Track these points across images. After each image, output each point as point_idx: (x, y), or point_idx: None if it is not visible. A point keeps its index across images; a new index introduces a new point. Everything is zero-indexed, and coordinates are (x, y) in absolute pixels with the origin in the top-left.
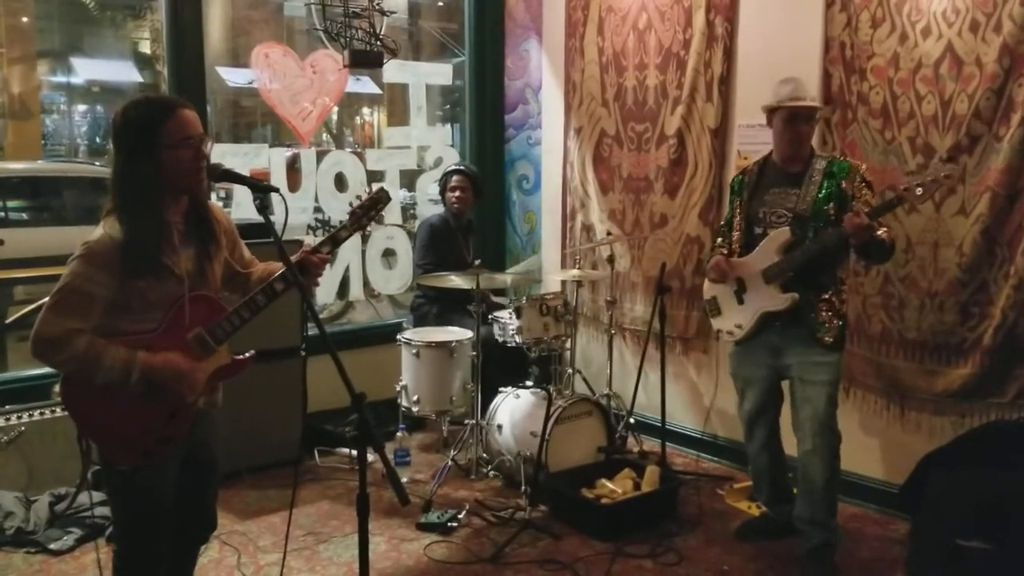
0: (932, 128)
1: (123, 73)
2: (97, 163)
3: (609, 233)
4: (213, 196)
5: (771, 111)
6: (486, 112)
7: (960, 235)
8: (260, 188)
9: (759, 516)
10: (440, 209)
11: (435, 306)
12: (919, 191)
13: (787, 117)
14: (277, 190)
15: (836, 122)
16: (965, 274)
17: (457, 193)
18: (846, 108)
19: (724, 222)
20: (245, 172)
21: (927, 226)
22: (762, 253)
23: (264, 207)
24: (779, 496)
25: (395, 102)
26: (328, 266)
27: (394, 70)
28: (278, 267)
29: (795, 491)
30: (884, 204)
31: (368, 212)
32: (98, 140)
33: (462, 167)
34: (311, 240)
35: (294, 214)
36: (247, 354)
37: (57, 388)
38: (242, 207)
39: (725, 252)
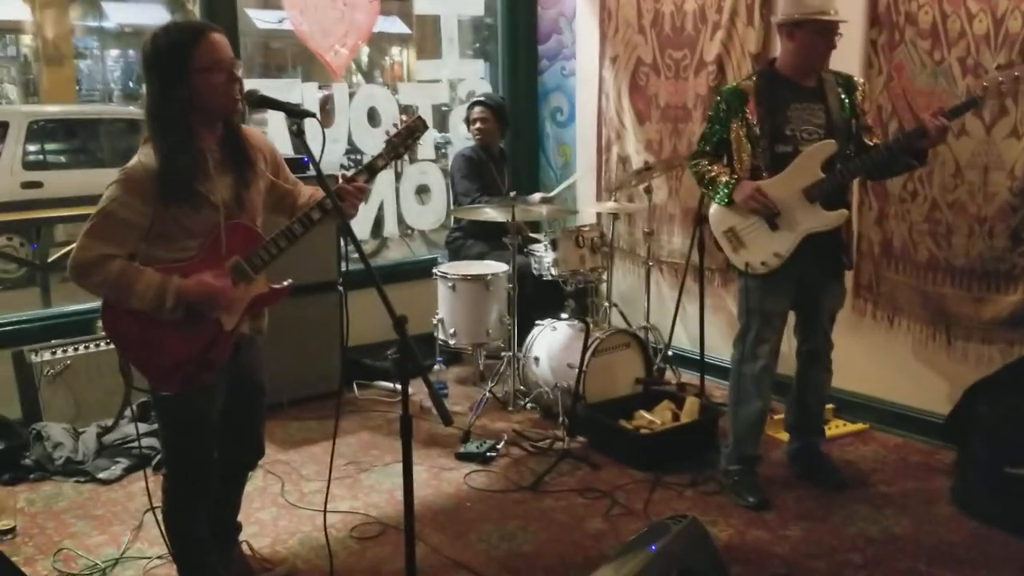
0: (984, 47)
1: (155, 16)
2: (132, 107)
3: (646, 163)
4: None
5: (797, 23)
6: (519, 43)
7: (1012, 158)
8: (296, 113)
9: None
10: (472, 143)
11: (471, 240)
12: (1003, 86)
13: (823, 30)
14: (314, 115)
15: (883, 44)
16: (1016, 198)
17: (478, 124)
18: (893, 29)
19: (709, 145)
20: None
21: (977, 149)
22: (799, 170)
23: (300, 132)
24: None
25: (425, 38)
26: (364, 199)
27: (425, 1)
28: (321, 195)
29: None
30: (964, 103)
31: (405, 141)
32: (131, 84)
33: (482, 98)
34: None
35: (327, 151)
36: (285, 283)
37: (99, 322)
38: (276, 140)
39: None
